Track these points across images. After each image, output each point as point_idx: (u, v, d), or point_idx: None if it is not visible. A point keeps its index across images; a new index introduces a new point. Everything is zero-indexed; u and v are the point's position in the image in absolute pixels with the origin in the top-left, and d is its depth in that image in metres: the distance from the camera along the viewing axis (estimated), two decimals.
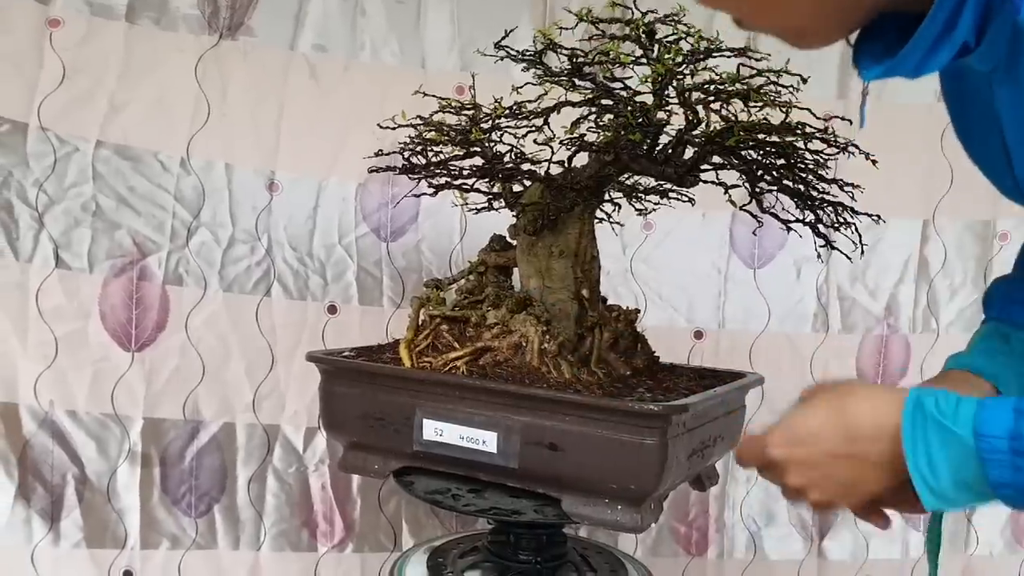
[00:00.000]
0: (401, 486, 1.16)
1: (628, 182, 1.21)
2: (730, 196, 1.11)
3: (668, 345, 1.33)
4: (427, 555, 1.26)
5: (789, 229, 1.13)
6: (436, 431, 1.09)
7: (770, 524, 1.85)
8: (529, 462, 1.03)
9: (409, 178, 1.21)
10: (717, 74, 1.04)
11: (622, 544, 1.72)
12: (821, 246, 1.13)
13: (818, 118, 1.08)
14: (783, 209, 1.12)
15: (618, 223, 1.30)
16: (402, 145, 1.18)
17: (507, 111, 1.12)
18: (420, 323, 1.19)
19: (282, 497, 1.69)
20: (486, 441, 1.05)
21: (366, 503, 1.72)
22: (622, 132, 1.06)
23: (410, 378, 1.11)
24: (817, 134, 1.07)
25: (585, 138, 1.10)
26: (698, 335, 1.80)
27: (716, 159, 1.11)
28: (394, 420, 1.13)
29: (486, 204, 1.26)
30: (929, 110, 1.74)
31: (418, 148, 1.18)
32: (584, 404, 1.00)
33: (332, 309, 1.68)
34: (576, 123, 1.09)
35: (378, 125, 1.17)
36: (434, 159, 1.18)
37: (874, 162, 1.05)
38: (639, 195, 1.26)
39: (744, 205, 1.14)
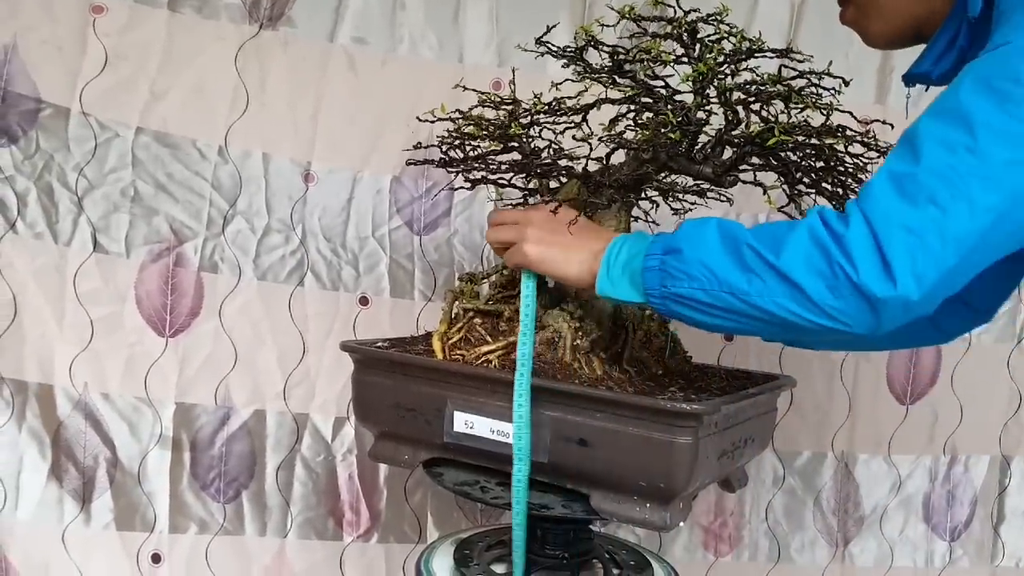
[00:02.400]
0: (430, 476, 1.17)
1: (666, 181, 1.21)
2: (769, 197, 1.10)
3: (698, 345, 1.32)
4: (454, 547, 1.26)
5: None
6: (467, 424, 1.09)
7: (796, 529, 1.84)
8: (559, 457, 1.03)
9: (447, 171, 1.21)
10: (758, 75, 1.04)
11: (646, 542, 1.71)
12: None
13: (859, 121, 1.08)
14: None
15: (654, 222, 1.30)
16: (440, 139, 1.18)
17: (546, 107, 1.12)
18: (454, 316, 1.19)
19: (309, 485, 1.70)
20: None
21: (392, 494, 1.72)
22: (661, 131, 1.06)
23: (442, 370, 1.12)
24: (858, 137, 1.06)
25: (624, 136, 1.10)
26: (728, 337, 1.79)
27: (755, 160, 1.10)
28: (425, 411, 1.13)
29: (522, 199, 1.26)
30: None
31: (456, 142, 1.18)
32: (615, 401, 0.99)
33: (364, 300, 1.69)
34: (615, 121, 1.09)
35: (417, 118, 1.18)
36: (472, 153, 1.19)
37: None
38: (676, 194, 1.25)
39: (782, 207, 1.13)
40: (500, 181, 1.21)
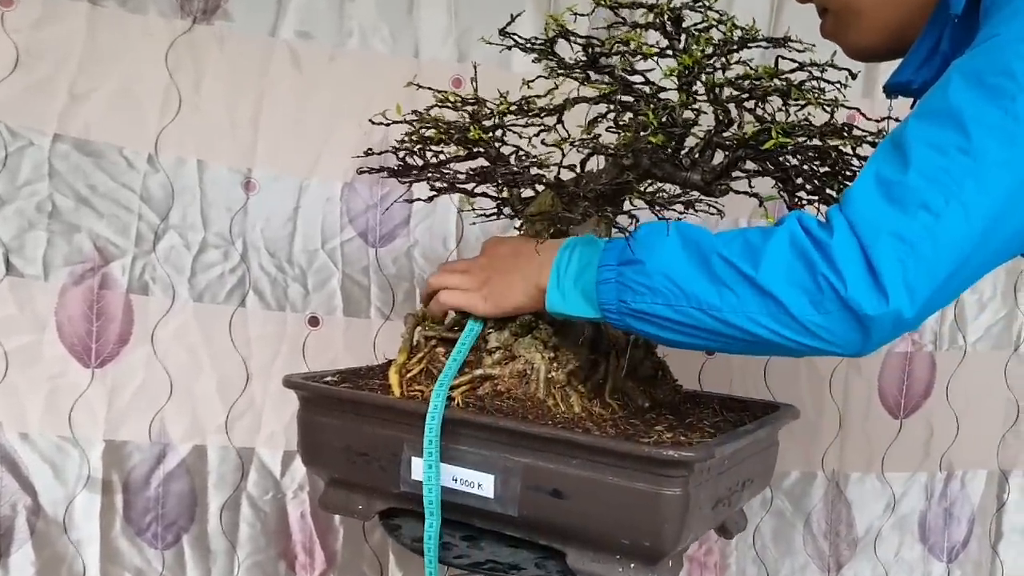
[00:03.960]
0: (387, 530, 1.03)
1: (649, 190, 1.07)
2: (766, 210, 0.97)
3: (679, 362, 1.19)
4: None
5: None
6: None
7: (785, 554, 1.73)
8: (530, 510, 0.89)
9: (400, 182, 1.07)
10: (752, 68, 0.92)
11: None
12: None
13: (868, 119, 0.95)
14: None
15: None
16: (397, 144, 1.04)
17: (513, 106, 0.98)
18: (414, 344, 1.05)
19: (257, 526, 1.55)
20: (482, 484, 0.92)
21: (349, 533, 1.58)
22: (642, 133, 0.93)
23: (397, 409, 0.97)
24: (868, 137, 0.94)
25: (600, 139, 0.96)
26: (709, 351, 1.67)
27: (749, 165, 0.98)
28: (379, 456, 0.99)
29: (495, 211, 1.12)
30: None
31: (415, 147, 1.04)
32: (592, 446, 0.85)
33: (314, 321, 1.54)
34: (593, 122, 0.95)
35: (369, 121, 1.03)
36: (432, 160, 1.04)
37: None
38: (662, 204, 1.11)
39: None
40: (465, 190, 1.07)
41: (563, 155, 0.96)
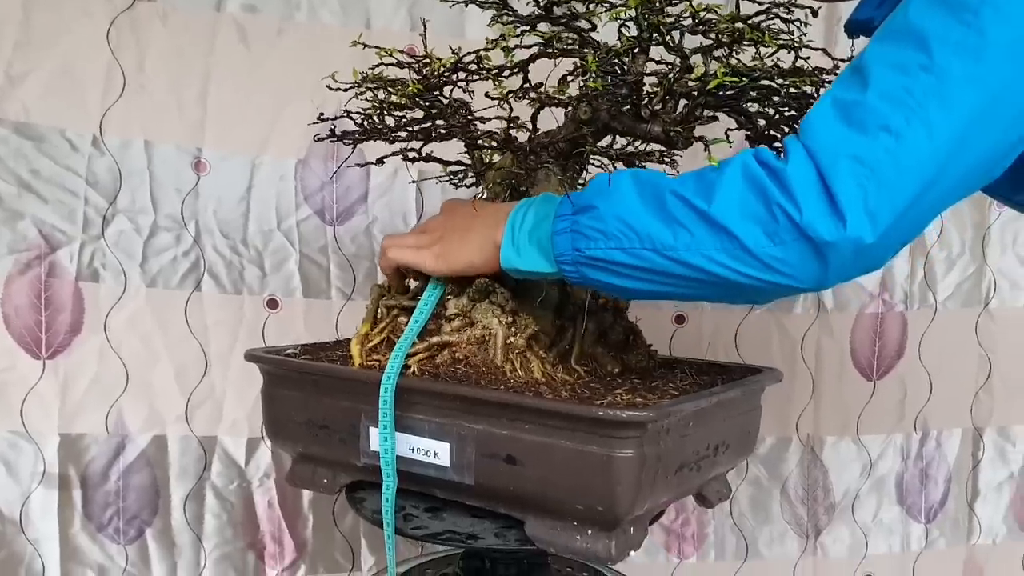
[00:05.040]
0: (351, 503, 1.00)
1: (601, 146, 1.03)
2: (710, 154, 0.92)
3: (648, 331, 1.16)
4: None
5: None
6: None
7: (763, 522, 1.71)
8: (486, 477, 0.86)
9: (358, 140, 1.01)
10: (713, 11, 0.88)
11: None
12: None
13: (836, 60, 0.92)
14: None
15: None
16: (363, 110, 0.99)
17: (455, 63, 0.93)
18: (378, 315, 1.02)
19: (223, 517, 1.50)
20: (438, 453, 0.89)
21: (319, 519, 1.54)
22: (581, 80, 0.90)
23: (354, 379, 0.94)
24: (831, 79, 0.91)
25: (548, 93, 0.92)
26: (679, 319, 1.65)
27: (708, 112, 0.94)
28: (339, 428, 0.96)
29: (454, 174, 1.09)
30: None
31: (375, 113, 0.99)
32: (542, 410, 0.82)
33: (272, 303, 1.49)
34: (563, 80, 0.92)
35: (327, 86, 0.98)
36: (393, 123, 1.00)
37: None
38: (615, 157, 1.07)
39: None
40: (435, 158, 1.03)
41: (510, 110, 0.92)
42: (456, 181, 1.12)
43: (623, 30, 0.89)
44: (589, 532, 0.83)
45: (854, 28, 0.90)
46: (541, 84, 0.91)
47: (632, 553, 0.85)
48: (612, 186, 0.78)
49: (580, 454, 0.80)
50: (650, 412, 0.79)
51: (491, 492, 0.88)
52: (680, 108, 0.93)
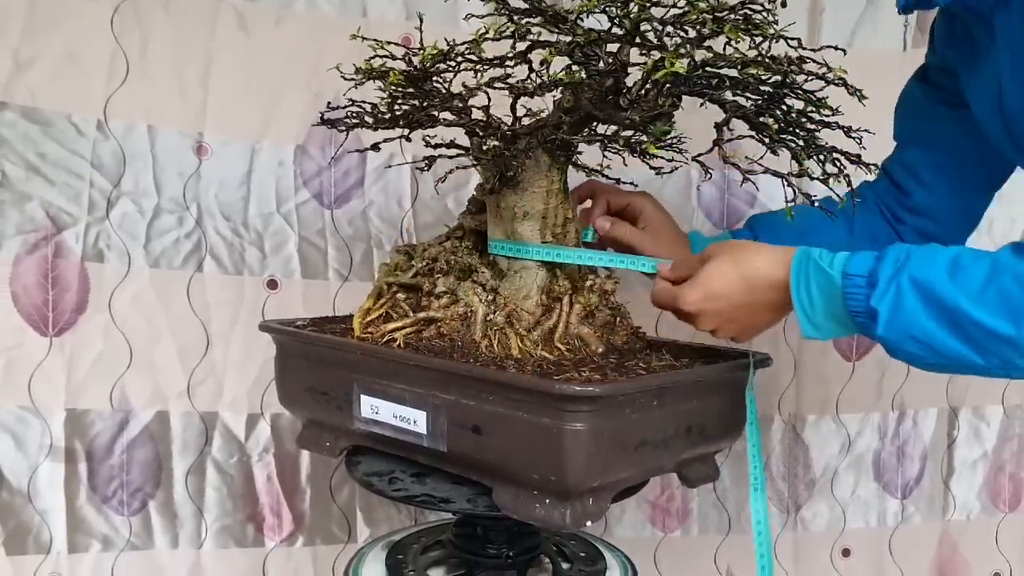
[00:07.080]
0: (347, 466, 1.08)
1: (582, 135, 1.06)
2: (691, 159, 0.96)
3: (637, 313, 1.20)
4: (385, 552, 1.14)
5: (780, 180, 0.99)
6: (372, 408, 0.99)
7: (746, 498, 1.76)
8: (456, 445, 0.93)
9: (358, 126, 1.04)
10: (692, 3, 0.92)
11: (596, 528, 1.62)
12: (790, 201, 0.99)
13: (808, 50, 0.95)
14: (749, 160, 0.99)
15: (608, 176, 1.16)
16: (353, 100, 1.02)
17: (447, 52, 0.97)
18: (380, 291, 1.09)
19: (224, 490, 1.55)
20: (416, 420, 0.95)
21: (316, 492, 1.59)
22: (548, 70, 0.94)
23: (347, 350, 1.02)
24: (825, 73, 0.93)
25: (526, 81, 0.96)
26: None
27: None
28: (336, 395, 1.03)
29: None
30: (900, 59, 1.66)
31: (383, 102, 1.03)
32: (502, 383, 0.88)
33: (272, 284, 1.54)
34: (532, 70, 0.96)
35: (337, 68, 1.01)
36: (398, 112, 1.04)
37: (861, 98, 0.93)
38: (610, 147, 1.10)
39: (698, 155, 0.98)
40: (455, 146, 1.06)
41: (488, 98, 0.97)
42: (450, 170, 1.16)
43: (597, 21, 0.93)
44: (547, 501, 0.88)
45: (908, 6, 0.95)
46: (511, 75, 0.96)
47: (589, 523, 0.89)
48: (897, 296, 0.84)
49: (536, 426, 0.85)
50: (599, 388, 0.84)
51: (462, 459, 0.94)
52: (650, 95, 0.97)
